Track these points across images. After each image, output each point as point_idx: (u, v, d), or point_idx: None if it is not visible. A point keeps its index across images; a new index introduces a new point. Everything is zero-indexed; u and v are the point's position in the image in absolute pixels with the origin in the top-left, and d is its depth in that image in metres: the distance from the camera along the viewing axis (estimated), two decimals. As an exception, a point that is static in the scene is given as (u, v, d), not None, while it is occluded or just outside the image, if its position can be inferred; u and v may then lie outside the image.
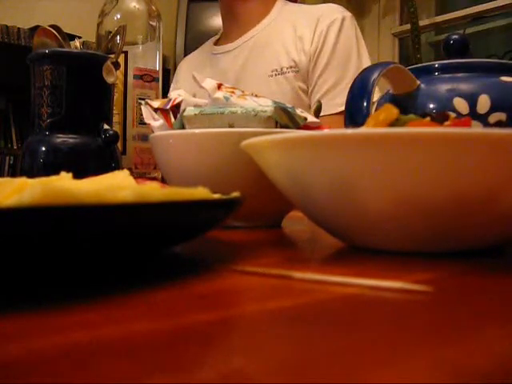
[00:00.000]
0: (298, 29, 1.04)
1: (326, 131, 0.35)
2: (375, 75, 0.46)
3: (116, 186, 0.26)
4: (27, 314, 0.16)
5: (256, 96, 0.48)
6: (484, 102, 0.45)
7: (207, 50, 1.19)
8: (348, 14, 1.06)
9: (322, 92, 1.01)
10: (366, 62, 1.03)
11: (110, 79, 0.56)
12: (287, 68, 1.03)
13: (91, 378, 0.12)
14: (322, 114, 0.99)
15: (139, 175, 0.66)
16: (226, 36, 1.16)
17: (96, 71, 0.56)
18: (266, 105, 0.45)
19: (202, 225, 0.26)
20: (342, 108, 0.51)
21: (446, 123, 0.30)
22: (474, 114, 0.45)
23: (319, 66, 1.02)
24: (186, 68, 1.21)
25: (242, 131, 0.42)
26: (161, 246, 0.26)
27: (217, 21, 2.57)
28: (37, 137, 0.55)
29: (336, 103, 0.98)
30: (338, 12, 1.06)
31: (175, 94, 0.51)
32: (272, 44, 1.06)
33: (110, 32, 0.66)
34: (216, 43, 1.19)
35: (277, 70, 1.04)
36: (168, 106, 0.50)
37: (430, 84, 0.49)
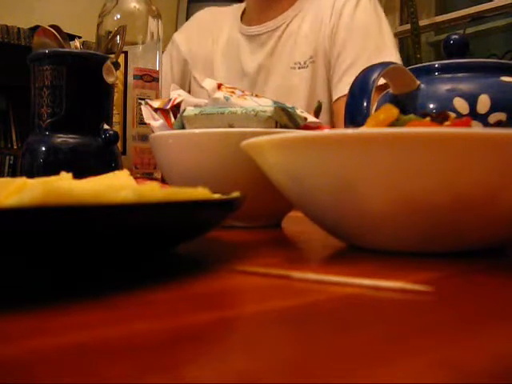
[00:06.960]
0: (318, 16, 1.01)
1: (325, 131, 0.35)
2: (375, 75, 0.46)
3: (116, 186, 0.26)
4: (27, 314, 0.16)
5: (256, 96, 0.48)
6: (484, 102, 0.45)
7: (235, 25, 1.11)
8: None
9: (340, 72, 0.96)
10: (390, 40, 0.97)
11: (109, 79, 0.56)
12: (309, 58, 0.99)
13: (91, 377, 0.12)
14: (339, 95, 0.96)
15: (139, 175, 0.65)
16: (251, 15, 1.09)
17: (96, 71, 0.56)
18: (265, 105, 0.45)
19: (202, 225, 0.26)
20: None
21: (446, 123, 0.30)
22: (474, 114, 0.45)
23: (337, 45, 0.97)
24: (208, 22, 1.12)
25: (242, 131, 0.42)
26: (161, 246, 0.26)
27: (217, 21, 2.57)
28: (37, 137, 0.55)
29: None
30: None
31: (175, 94, 0.51)
32: (298, 35, 1.02)
33: (110, 32, 0.66)
34: (241, 19, 1.11)
35: (300, 63, 1.00)
36: (168, 106, 0.50)
37: (430, 84, 0.49)
